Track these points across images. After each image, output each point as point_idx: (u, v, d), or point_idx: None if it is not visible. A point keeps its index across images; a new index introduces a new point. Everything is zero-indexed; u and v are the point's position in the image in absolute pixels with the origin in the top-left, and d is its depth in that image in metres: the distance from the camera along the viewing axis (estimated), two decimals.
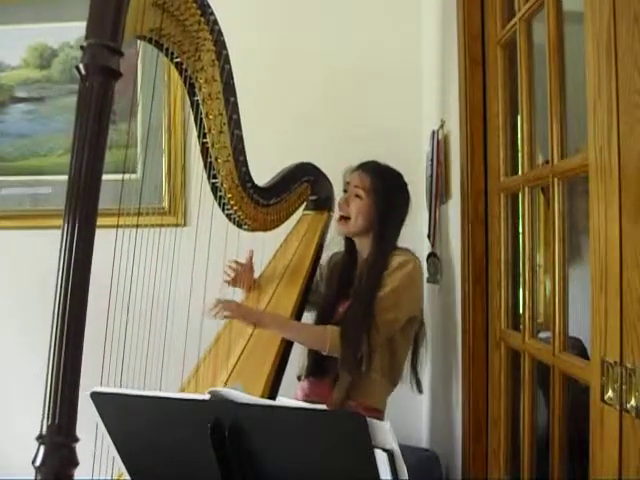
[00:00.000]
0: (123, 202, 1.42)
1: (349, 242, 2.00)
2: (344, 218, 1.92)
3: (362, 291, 1.82)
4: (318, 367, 1.87)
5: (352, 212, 1.90)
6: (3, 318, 2.70)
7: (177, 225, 2.58)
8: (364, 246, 1.94)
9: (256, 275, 2.07)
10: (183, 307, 1.68)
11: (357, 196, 1.89)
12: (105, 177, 1.07)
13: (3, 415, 2.64)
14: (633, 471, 0.98)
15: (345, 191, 1.97)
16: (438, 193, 2.20)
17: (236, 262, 1.97)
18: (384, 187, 1.89)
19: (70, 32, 2.70)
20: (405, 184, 1.97)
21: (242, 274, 1.97)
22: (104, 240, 1.19)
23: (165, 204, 2.68)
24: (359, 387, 1.80)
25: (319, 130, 2.59)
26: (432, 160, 2.23)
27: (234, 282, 1.98)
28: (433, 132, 2.25)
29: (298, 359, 1.93)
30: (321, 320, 1.92)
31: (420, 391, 1.94)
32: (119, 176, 1.39)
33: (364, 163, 1.97)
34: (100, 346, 1.27)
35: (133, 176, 2.42)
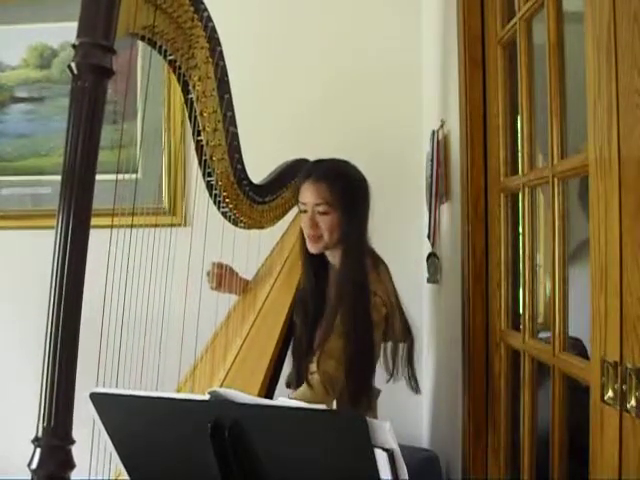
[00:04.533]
0: (124, 202, 1.42)
1: (313, 260, 1.84)
2: (317, 236, 1.75)
3: (351, 306, 1.66)
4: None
5: (324, 230, 1.73)
6: (3, 318, 2.70)
7: (177, 225, 2.58)
8: (336, 256, 1.80)
9: (253, 273, 2.08)
10: (180, 306, 1.68)
11: (323, 212, 1.72)
12: (107, 177, 1.07)
13: (1, 417, 2.63)
14: (633, 471, 0.98)
15: (304, 211, 1.77)
16: (438, 193, 2.20)
17: (216, 265, 1.96)
18: (345, 191, 1.72)
19: (70, 32, 2.62)
20: (357, 169, 1.80)
21: (225, 277, 1.96)
22: (104, 240, 1.20)
23: (165, 204, 2.68)
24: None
25: (319, 130, 2.59)
26: (432, 160, 2.23)
27: (220, 287, 1.97)
28: (433, 132, 2.25)
29: (287, 367, 1.88)
30: (298, 351, 1.83)
31: (417, 392, 1.84)
32: (120, 176, 1.39)
33: (309, 171, 1.77)
34: (96, 346, 1.27)
35: (133, 176, 2.41)
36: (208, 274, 1.99)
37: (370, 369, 1.72)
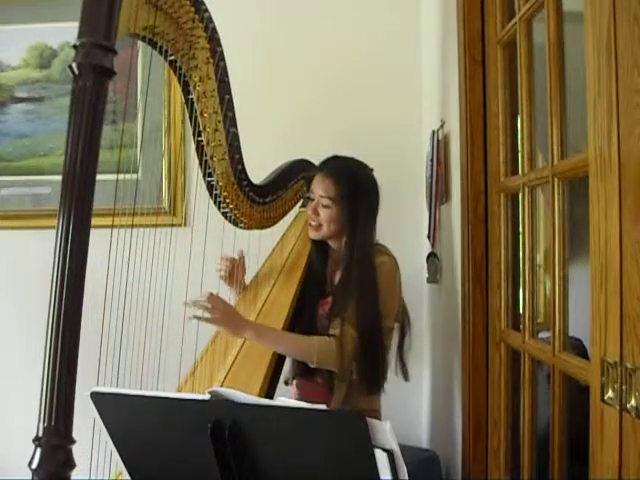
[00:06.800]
0: (125, 202, 1.42)
1: (318, 243, 1.96)
2: (316, 225, 1.88)
3: (362, 294, 1.75)
4: (306, 367, 1.82)
5: (323, 220, 1.85)
6: (3, 318, 2.70)
7: (177, 225, 2.58)
8: (339, 246, 1.90)
9: (253, 274, 2.07)
10: (181, 307, 1.68)
11: (325, 206, 1.84)
12: (107, 177, 1.07)
13: (1, 416, 2.63)
14: (633, 471, 0.98)
15: (312, 199, 1.89)
16: (438, 193, 2.20)
17: (228, 258, 1.96)
18: (349, 189, 1.83)
19: (70, 32, 2.62)
20: (369, 173, 1.90)
21: (235, 270, 1.97)
22: (104, 240, 1.19)
23: (165, 204, 2.68)
24: (355, 395, 1.77)
25: (319, 130, 2.59)
26: (432, 160, 2.23)
27: (229, 278, 1.97)
28: (433, 132, 2.25)
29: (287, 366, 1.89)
30: (302, 324, 1.87)
31: (406, 379, 1.88)
32: (121, 176, 1.39)
33: (324, 164, 1.90)
34: (97, 346, 1.27)
35: (134, 176, 2.42)
36: (224, 258, 1.98)
37: (382, 359, 1.79)
